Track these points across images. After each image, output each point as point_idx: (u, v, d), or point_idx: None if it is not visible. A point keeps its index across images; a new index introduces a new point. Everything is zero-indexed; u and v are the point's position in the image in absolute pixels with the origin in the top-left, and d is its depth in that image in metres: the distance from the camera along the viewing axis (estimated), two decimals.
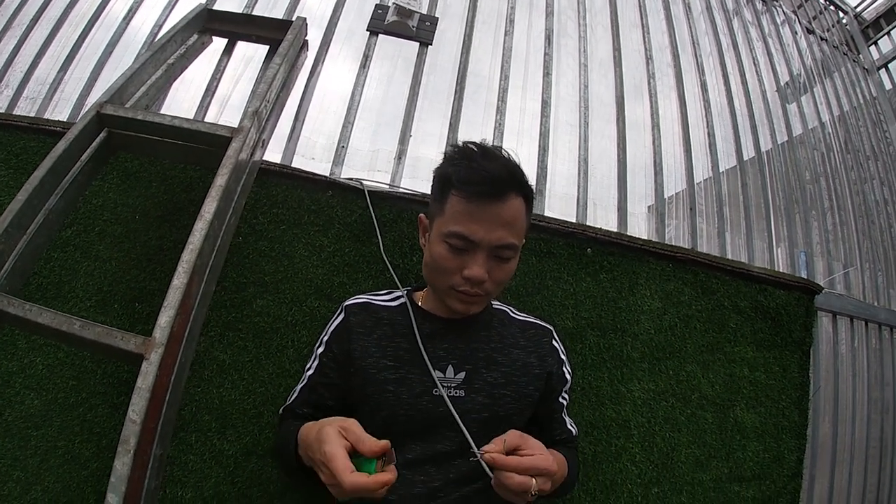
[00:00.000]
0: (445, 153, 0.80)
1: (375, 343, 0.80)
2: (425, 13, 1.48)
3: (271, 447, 0.79)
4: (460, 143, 0.78)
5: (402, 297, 0.87)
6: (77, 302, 1.06)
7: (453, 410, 0.72)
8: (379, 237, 1.10)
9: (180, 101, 1.27)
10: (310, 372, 0.83)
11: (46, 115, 1.31)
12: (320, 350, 0.84)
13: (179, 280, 0.79)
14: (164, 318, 0.76)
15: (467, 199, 0.71)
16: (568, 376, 0.90)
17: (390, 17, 1.39)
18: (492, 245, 0.71)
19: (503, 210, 0.71)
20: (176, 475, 0.99)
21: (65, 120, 1.25)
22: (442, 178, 0.76)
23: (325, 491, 0.59)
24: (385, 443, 0.57)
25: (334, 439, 0.58)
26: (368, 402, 0.77)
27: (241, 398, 1.03)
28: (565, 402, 0.89)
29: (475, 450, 0.63)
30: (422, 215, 0.83)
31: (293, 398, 0.83)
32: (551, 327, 0.91)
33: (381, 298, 0.87)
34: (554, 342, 0.89)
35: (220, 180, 0.87)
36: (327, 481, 0.57)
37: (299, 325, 1.07)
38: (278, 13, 1.45)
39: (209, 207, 0.85)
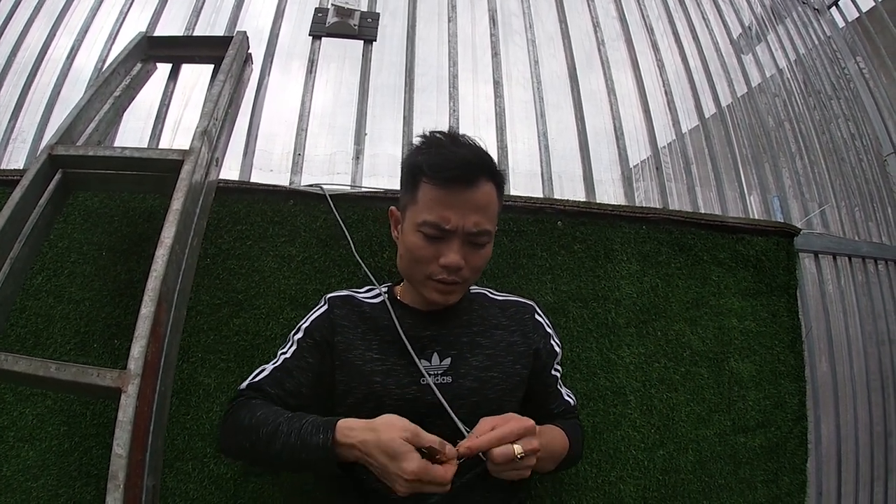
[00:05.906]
0: (413, 143, 0.80)
1: (360, 336, 0.80)
2: (366, 10, 1.47)
3: (245, 425, 0.72)
4: (427, 133, 0.78)
5: (383, 293, 0.86)
6: (57, 347, 1.05)
7: (440, 397, 0.72)
8: (348, 237, 1.10)
9: (132, 132, 1.25)
10: (286, 355, 0.81)
11: (3, 166, 1.29)
12: (298, 336, 0.83)
13: (147, 309, 0.78)
14: (137, 349, 0.76)
15: (439, 186, 0.71)
16: (557, 349, 0.90)
17: (331, 18, 1.38)
18: (466, 231, 0.72)
19: (476, 195, 0.71)
20: None
21: (21, 167, 1.23)
22: (412, 167, 0.76)
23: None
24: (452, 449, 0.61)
25: (411, 454, 0.59)
26: (354, 393, 0.76)
27: None
28: (558, 375, 0.90)
29: (464, 430, 0.63)
30: (393, 208, 0.83)
31: (263, 375, 0.80)
32: (533, 303, 0.91)
33: (363, 295, 0.87)
34: (537, 316, 0.89)
35: (177, 204, 0.87)
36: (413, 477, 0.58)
37: (278, 338, 1.06)
38: (219, 32, 1.43)
39: (168, 232, 0.84)
